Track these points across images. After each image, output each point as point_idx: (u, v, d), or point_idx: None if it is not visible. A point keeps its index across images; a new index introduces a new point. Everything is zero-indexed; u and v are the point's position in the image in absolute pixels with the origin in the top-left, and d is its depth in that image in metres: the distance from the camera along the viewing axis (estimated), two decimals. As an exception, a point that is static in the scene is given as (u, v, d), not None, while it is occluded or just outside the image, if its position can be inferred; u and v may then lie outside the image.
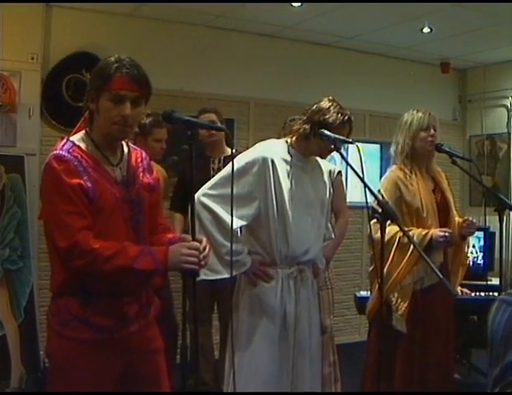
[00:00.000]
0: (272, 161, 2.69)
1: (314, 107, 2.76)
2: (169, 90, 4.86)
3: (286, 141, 2.82)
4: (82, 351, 1.94)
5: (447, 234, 3.11)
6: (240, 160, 2.71)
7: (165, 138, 3.68)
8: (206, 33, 5.13)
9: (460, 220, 3.31)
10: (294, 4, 4.54)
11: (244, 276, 2.75)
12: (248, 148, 2.95)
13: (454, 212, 3.37)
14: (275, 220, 2.69)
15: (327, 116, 2.70)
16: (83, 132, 2.01)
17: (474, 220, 3.26)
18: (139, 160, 2.13)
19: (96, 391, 1.95)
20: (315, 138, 2.71)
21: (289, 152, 2.78)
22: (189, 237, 2.01)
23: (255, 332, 2.71)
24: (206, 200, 2.68)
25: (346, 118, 2.73)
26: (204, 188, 2.71)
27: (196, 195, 2.56)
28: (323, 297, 3.41)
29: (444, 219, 3.25)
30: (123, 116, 1.93)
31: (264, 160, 2.69)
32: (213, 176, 3.86)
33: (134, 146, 2.17)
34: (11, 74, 4.31)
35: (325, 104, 2.75)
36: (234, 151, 3.97)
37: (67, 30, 4.55)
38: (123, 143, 2.10)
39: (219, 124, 3.79)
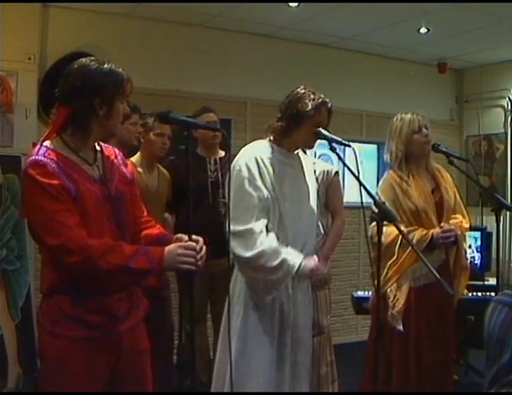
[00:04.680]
0: (262, 161, 2.67)
1: (287, 101, 2.73)
2: (165, 91, 4.86)
3: (270, 140, 2.78)
4: (74, 349, 1.94)
5: (448, 233, 3.10)
6: (241, 171, 2.65)
7: (167, 134, 3.63)
8: (202, 33, 5.13)
9: (459, 220, 3.28)
10: (291, 4, 4.55)
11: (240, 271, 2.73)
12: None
13: (464, 211, 3.35)
14: (274, 219, 2.66)
15: (299, 106, 2.66)
16: (56, 137, 2.02)
17: (452, 227, 3.18)
18: (113, 156, 2.16)
19: (88, 389, 1.96)
20: (296, 131, 2.69)
21: (273, 150, 2.74)
22: (186, 237, 2.01)
23: (252, 331, 2.68)
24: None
25: (320, 101, 2.67)
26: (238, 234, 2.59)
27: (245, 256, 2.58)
28: (320, 297, 3.41)
29: (444, 220, 3.23)
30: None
31: (256, 160, 2.67)
32: (210, 177, 3.90)
33: (105, 145, 2.18)
34: (8, 74, 4.31)
35: (296, 94, 2.71)
36: (228, 152, 3.97)
37: (64, 31, 4.55)
38: (95, 143, 2.12)
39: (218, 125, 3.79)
